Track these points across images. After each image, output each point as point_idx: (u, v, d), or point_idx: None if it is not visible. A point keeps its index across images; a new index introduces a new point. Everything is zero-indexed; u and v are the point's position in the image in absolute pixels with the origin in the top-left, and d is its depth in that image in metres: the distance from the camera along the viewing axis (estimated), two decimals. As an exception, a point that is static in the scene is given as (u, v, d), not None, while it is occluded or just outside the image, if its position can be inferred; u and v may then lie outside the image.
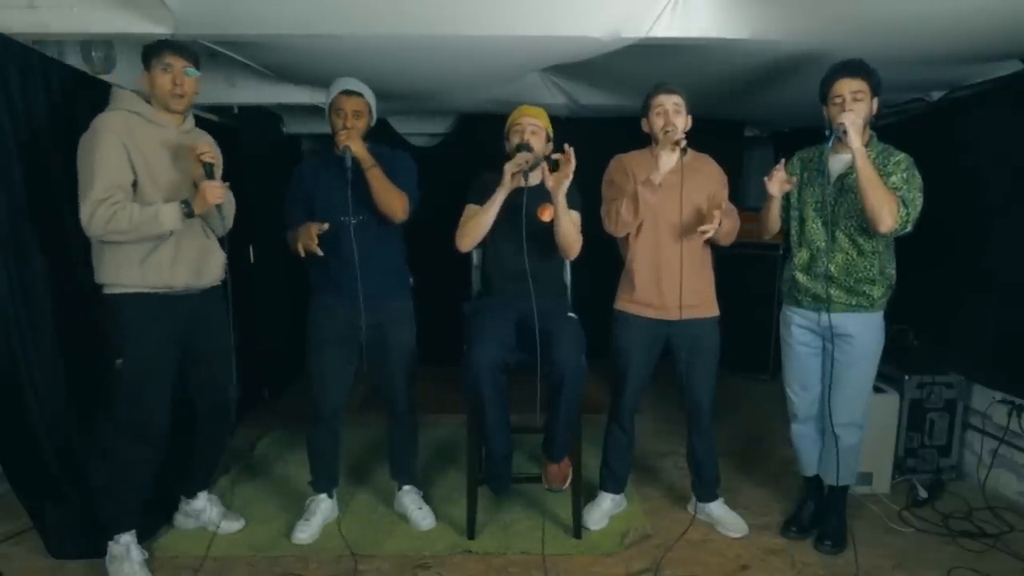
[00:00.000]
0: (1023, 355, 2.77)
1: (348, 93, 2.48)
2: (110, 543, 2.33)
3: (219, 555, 2.49)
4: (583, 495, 2.67)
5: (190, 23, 2.30)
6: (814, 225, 2.44)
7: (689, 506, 2.85)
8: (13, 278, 2.30)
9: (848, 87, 2.26)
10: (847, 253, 2.40)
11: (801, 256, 2.50)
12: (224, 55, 2.78)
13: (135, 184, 2.21)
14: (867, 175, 2.20)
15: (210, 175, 2.26)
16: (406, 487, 2.83)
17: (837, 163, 2.39)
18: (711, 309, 2.61)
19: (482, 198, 2.50)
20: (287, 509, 2.84)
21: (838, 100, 2.28)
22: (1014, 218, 2.77)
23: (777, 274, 4.64)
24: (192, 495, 2.66)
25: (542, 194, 2.44)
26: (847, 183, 2.35)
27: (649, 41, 2.37)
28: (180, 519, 2.67)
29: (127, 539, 2.33)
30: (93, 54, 2.82)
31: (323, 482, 2.74)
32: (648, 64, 2.74)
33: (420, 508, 2.76)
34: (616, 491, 2.80)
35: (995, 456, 3.02)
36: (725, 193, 2.59)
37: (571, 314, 2.62)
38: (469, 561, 2.49)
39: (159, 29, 2.34)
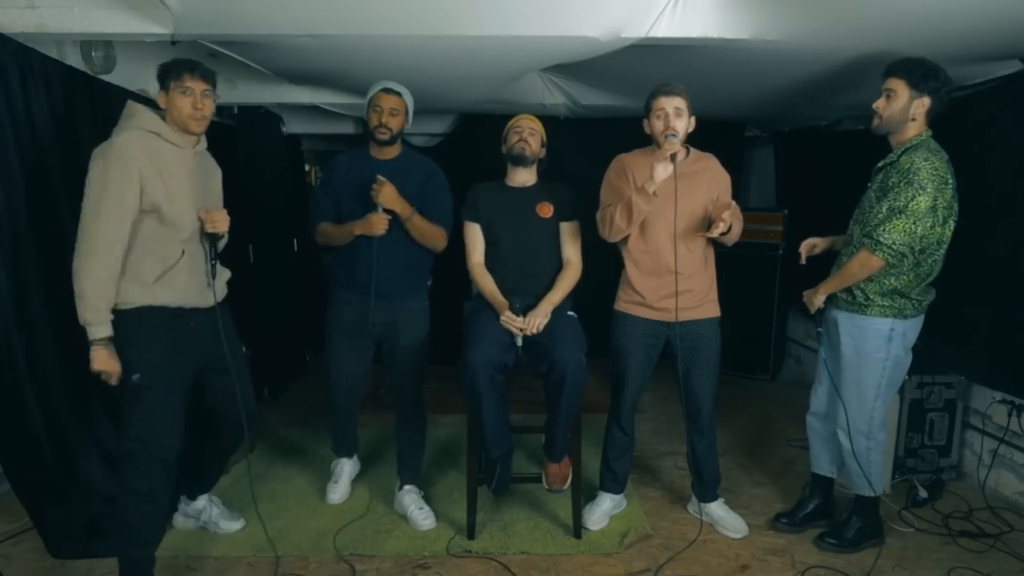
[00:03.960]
0: (1022, 355, 2.77)
1: (387, 91, 2.57)
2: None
3: (219, 555, 2.49)
4: (583, 495, 2.67)
5: (190, 23, 2.29)
6: (851, 221, 2.48)
7: (689, 506, 2.85)
8: (13, 278, 2.30)
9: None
10: (856, 248, 2.37)
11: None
12: (224, 55, 2.78)
13: (151, 209, 2.12)
14: (836, 286, 2.38)
15: (213, 244, 2.27)
16: (407, 487, 2.84)
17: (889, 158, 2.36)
18: (712, 310, 2.60)
19: (474, 214, 2.65)
20: (287, 509, 2.85)
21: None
22: (1014, 218, 2.77)
23: (777, 274, 4.65)
24: (193, 497, 2.66)
25: (536, 194, 2.66)
26: (877, 178, 2.35)
27: (649, 41, 2.36)
28: (180, 519, 2.66)
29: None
30: (93, 54, 2.82)
31: (344, 448, 2.99)
32: (648, 64, 2.74)
33: (421, 508, 2.76)
34: (616, 491, 2.80)
35: (995, 456, 3.02)
36: (728, 195, 2.58)
37: (571, 313, 2.63)
38: (469, 561, 2.49)
39: (159, 29, 2.34)
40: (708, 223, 2.45)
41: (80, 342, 2.53)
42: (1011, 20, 2.15)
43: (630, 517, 2.80)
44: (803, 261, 2.59)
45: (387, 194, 2.48)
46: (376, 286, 2.54)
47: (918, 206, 2.18)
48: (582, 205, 2.69)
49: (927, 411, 3.10)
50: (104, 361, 2.08)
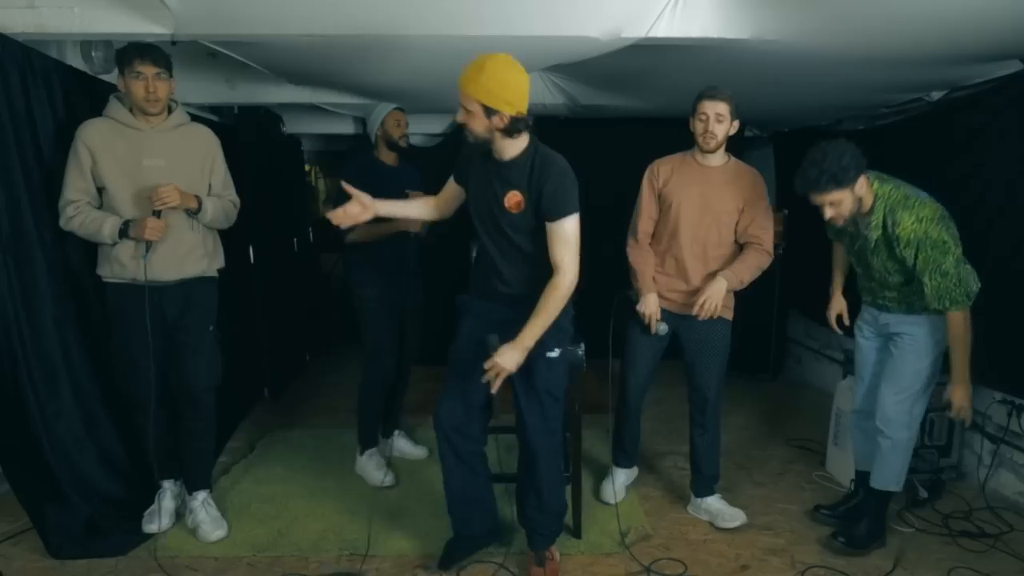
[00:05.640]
0: (1022, 355, 2.77)
1: (400, 109, 3.08)
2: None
3: (219, 555, 2.49)
4: (587, 481, 2.67)
5: (190, 23, 2.29)
6: (859, 270, 2.59)
7: (689, 507, 2.85)
8: (13, 278, 2.30)
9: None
10: (898, 291, 2.46)
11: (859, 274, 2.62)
12: (224, 55, 2.78)
13: (103, 189, 2.34)
14: (966, 363, 2.38)
15: (157, 216, 2.33)
16: (396, 432, 3.35)
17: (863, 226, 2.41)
18: (724, 312, 2.62)
19: (462, 176, 2.27)
20: (287, 509, 2.84)
21: None
22: (1013, 218, 2.77)
23: (777, 274, 4.64)
24: (191, 492, 2.67)
25: (517, 176, 2.06)
26: (875, 238, 2.38)
27: (649, 41, 2.36)
28: (188, 518, 2.66)
29: (166, 484, 2.67)
30: (93, 54, 2.81)
31: (372, 438, 3.20)
32: (648, 64, 2.73)
33: (416, 445, 3.32)
34: (627, 465, 2.91)
35: (995, 456, 3.02)
36: (763, 203, 2.61)
37: (551, 354, 2.20)
38: (469, 561, 2.48)
39: (159, 29, 2.34)
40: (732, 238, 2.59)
41: (80, 341, 2.55)
42: (1011, 20, 2.15)
43: (630, 517, 2.79)
44: (839, 331, 2.79)
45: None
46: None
47: (953, 255, 2.27)
48: (583, 204, 2.66)
49: (927, 411, 3.08)
50: (147, 232, 2.28)
